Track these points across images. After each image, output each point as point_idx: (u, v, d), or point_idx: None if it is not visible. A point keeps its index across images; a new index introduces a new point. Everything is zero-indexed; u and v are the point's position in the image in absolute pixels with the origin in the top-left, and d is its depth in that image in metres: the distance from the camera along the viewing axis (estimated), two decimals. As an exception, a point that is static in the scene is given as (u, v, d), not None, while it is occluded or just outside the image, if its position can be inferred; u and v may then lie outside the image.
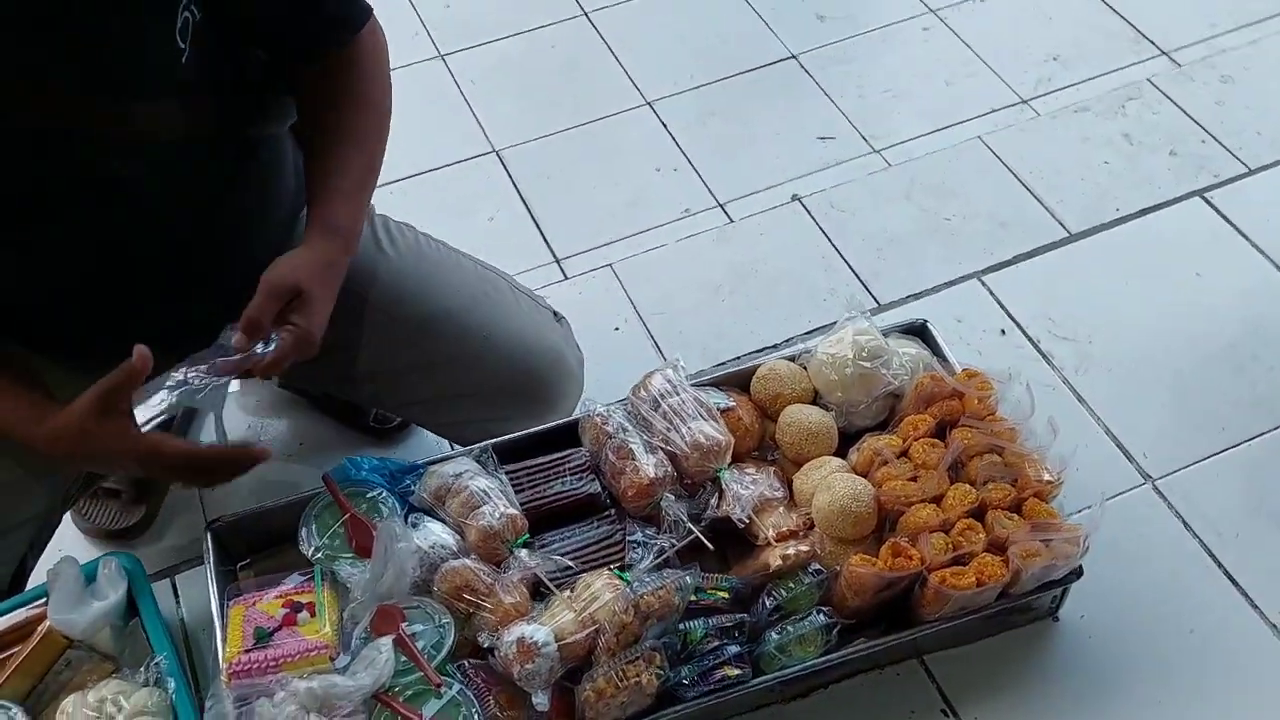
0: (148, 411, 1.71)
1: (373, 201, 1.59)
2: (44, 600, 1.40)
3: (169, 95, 1.30)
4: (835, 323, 1.70)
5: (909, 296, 2.11)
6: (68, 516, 1.84)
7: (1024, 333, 2.01)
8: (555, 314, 1.74)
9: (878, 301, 2.13)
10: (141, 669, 1.39)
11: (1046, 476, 1.47)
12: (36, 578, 1.53)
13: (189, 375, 1.27)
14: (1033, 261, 2.13)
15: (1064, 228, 2.19)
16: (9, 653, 1.38)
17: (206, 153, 1.39)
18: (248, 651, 1.36)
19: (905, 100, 2.57)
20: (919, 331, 1.74)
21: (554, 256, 2.33)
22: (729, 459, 1.53)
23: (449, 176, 2.50)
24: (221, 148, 1.42)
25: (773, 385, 1.64)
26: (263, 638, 1.37)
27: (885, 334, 1.68)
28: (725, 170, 2.45)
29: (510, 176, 2.49)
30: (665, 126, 2.57)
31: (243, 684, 1.34)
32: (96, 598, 1.42)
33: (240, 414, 2.02)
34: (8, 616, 1.40)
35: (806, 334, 2.02)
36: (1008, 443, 1.50)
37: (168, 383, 1.28)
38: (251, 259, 1.39)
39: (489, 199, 2.44)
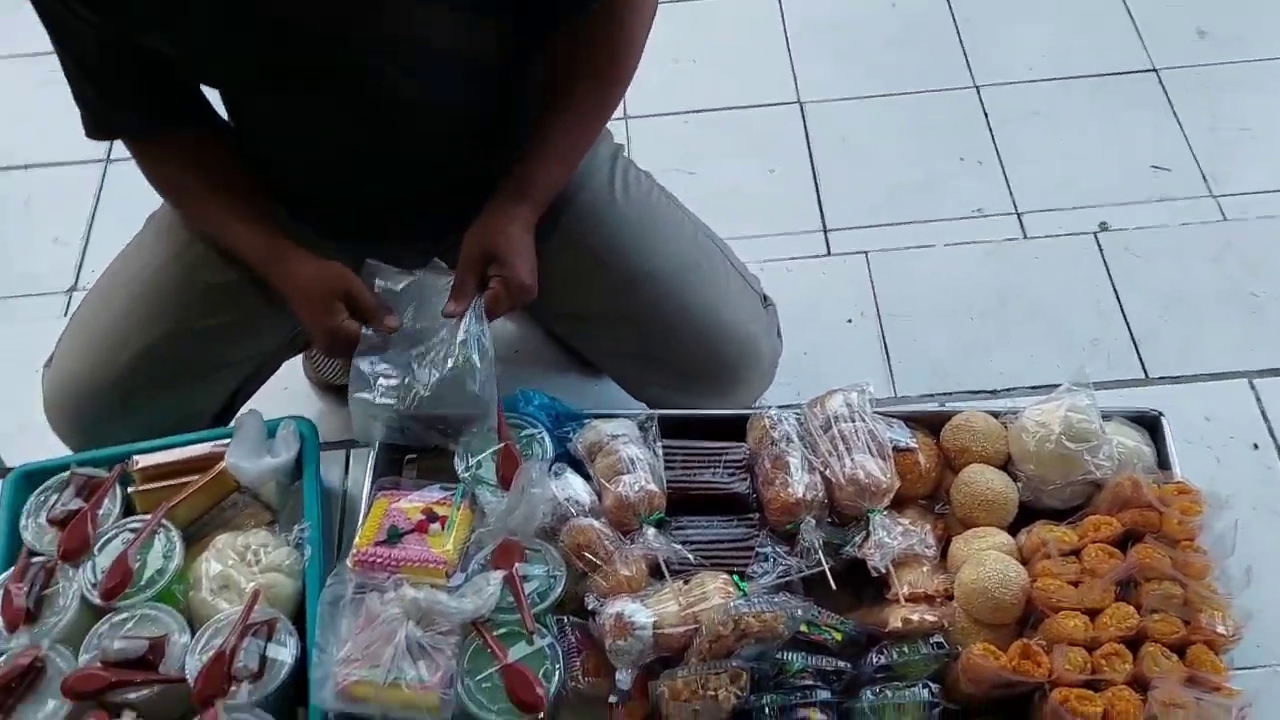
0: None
1: (622, 139, 1.61)
2: (228, 442, 1.53)
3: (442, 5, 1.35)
4: (1061, 386, 1.56)
5: (1169, 377, 1.91)
6: (298, 363, 2.00)
7: (1280, 453, 1.78)
8: (764, 299, 1.70)
9: (1143, 367, 1.94)
10: (291, 529, 1.51)
11: (1222, 629, 1.31)
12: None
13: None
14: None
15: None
16: (188, 479, 1.52)
17: (468, 70, 1.45)
18: (377, 544, 1.44)
19: (1264, 145, 2.28)
20: (1150, 424, 1.57)
21: (822, 225, 2.26)
22: (886, 501, 1.46)
23: (746, 117, 2.47)
24: (482, 68, 1.47)
25: (964, 438, 1.54)
26: (394, 536, 1.45)
27: (1106, 417, 1.53)
28: (1035, 177, 2.29)
29: (806, 132, 2.43)
30: (985, 115, 2.41)
31: (364, 573, 1.43)
32: (271, 453, 1.54)
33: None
34: (196, 446, 1.54)
35: (1032, 388, 1.87)
36: (1194, 578, 1.34)
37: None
38: (487, 181, 1.48)
39: (777, 150, 2.40)
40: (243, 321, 1.64)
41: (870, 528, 1.43)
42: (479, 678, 1.37)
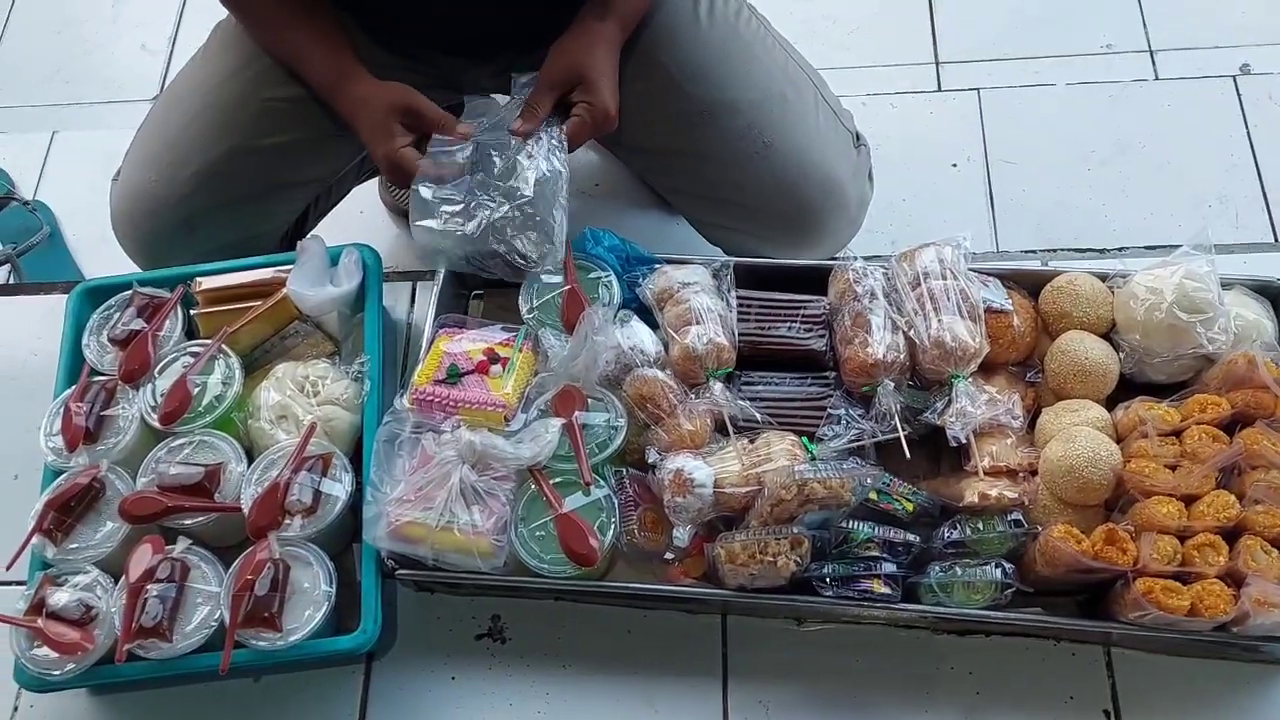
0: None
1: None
2: (291, 268, 1.48)
3: None
4: (1179, 248, 1.42)
5: (1308, 240, 1.74)
6: (374, 187, 1.94)
7: None
8: (857, 137, 1.57)
9: (1274, 230, 1.77)
10: (351, 362, 1.47)
11: (1331, 524, 1.20)
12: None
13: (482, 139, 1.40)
14: None
15: None
16: (250, 305, 1.48)
17: None
18: (437, 383, 1.40)
19: None
20: (1275, 296, 1.43)
21: (935, 58, 2.10)
22: (973, 367, 1.36)
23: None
24: None
25: (1065, 302, 1.42)
26: (454, 376, 1.40)
27: (1227, 286, 1.40)
28: (1172, 11, 2.07)
29: (923, -49, 2.22)
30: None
31: (422, 412, 1.39)
32: (334, 282, 1.49)
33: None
34: (259, 271, 1.50)
35: (1147, 249, 1.72)
36: (1305, 469, 1.23)
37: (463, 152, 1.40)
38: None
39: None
40: (307, 140, 1.57)
41: (953, 394, 1.34)
42: (533, 525, 1.34)
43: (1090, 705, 1.36)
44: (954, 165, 1.90)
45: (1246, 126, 1.87)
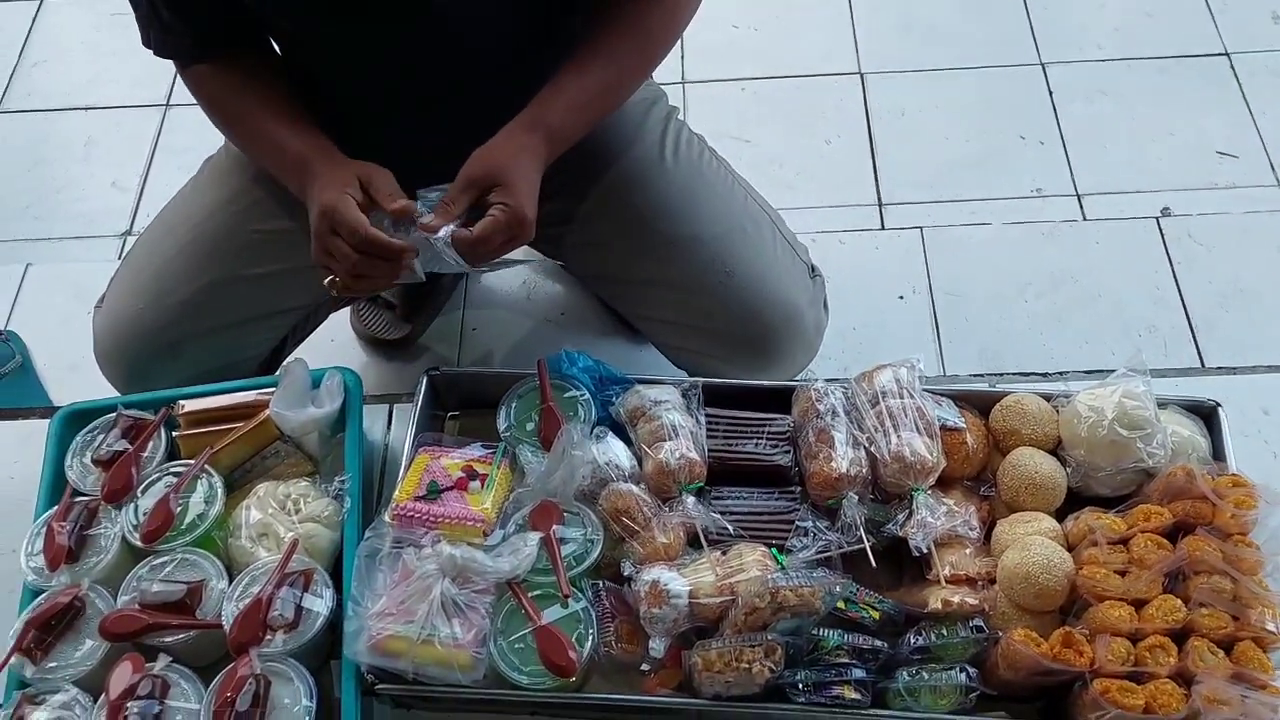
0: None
1: (678, 103, 1.57)
2: (273, 390, 1.53)
3: None
4: (1114, 372, 1.53)
5: (1227, 368, 1.86)
6: (345, 315, 2.00)
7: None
8: (812, 269, 1.67)
9: (1200, 357, 1.90)
10: (331, 481, 1.51)
11: (1272, 626, 1.28)
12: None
13: (389, 225, 1.36)
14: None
15: None
16: (232, 426, 1.52)
17: (512, 17, 1.44)
18: (417, 499, 1.44)
19: (1338, 134, 2.22)
20: (1206, 415, 1.53)
21: (878, 199, 2.23)
22: (931, 481, 1.43)
23: (805, 86, 2.42)
24: (527, 20, 1.46)
25: (1013, 420, 1.51)
26: (434, 492, 1.45)
27: (1162, 405, 1.50)
28: (1097, 159, 2.23)
29: (865, 104, 2.39)
30: (1050, 93, 2.36)
31: (402, 528, 1.42)
32: (315, 404, 1.54)
33: (526, 269, 2.09)
34: (241, 394, 1.55)
35: (1085, 373, 1.83)
36: (1245, 574, 1.31)
37: (385, 222, 1.36)
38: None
39: (835, 120, 2.36)
40: (291, 271, 1.64)
41: (914, 506, 1.41)
42: (512, 638, 1.37)
43: (1054, 810, 1.40)
44: (900, 297, 2.02)
45: (1170, 264, 2.01)
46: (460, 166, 1.41)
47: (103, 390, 1.68)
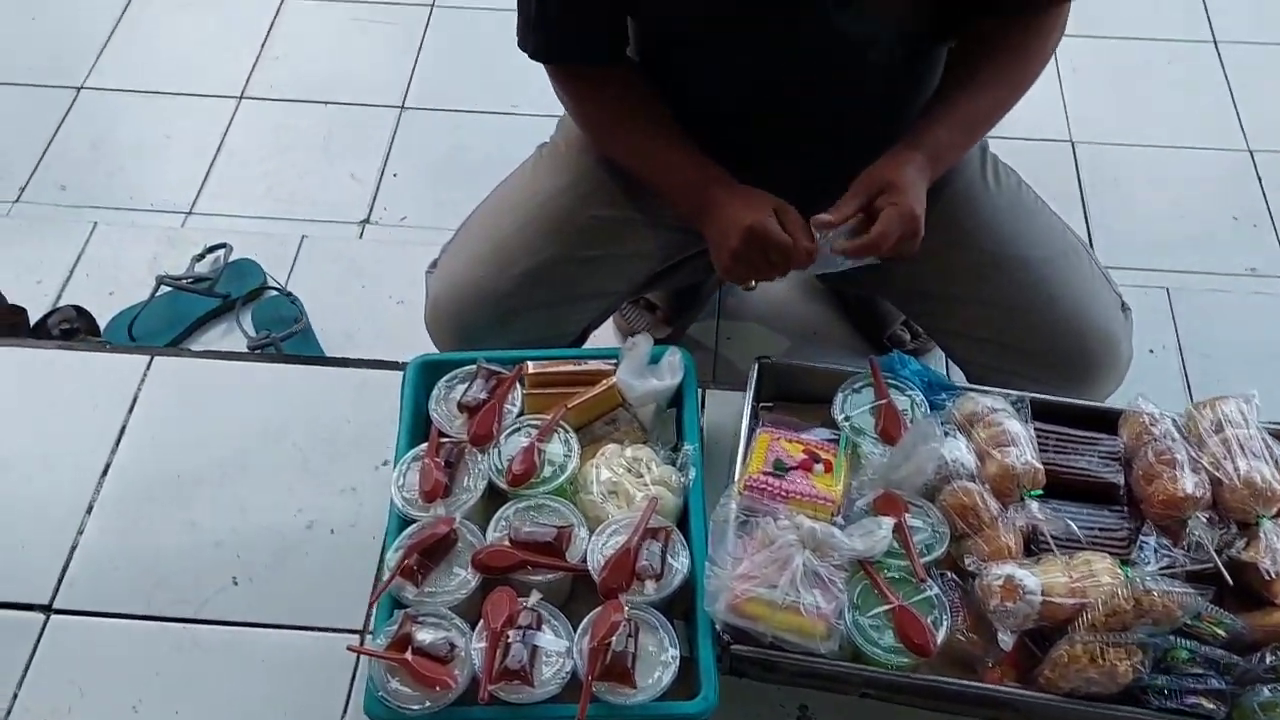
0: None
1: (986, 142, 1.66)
2: (615, 360, 1.58)
3: None
4: None
5: None
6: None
7: None
8: (1123, 303, 1.73)
9: None
10: (670, 450, 1.55)
11: None
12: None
13: None
14: None
15: None
16: (572, 390, 1.57)
17: (890, 43, 1.52)
18: (765, 474, 1.48)
19: None
20: None
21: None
22: (1274, 510, 1.47)
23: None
24: (911, 49, 1.55)
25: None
26: (780, 469, 1.49)
27: None
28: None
29: (1078, 170, 2.48)
30: (1259, 180, 2.46)
31: (753, 498, 1.46)
32: (656, 376, 1.59)
33: (777, 286, 2.15)
34: (591, 362, 1.61)
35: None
36: None
37: None
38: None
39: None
40: (618, 257, 1.71)
41: (1262, 533, 1.44)
42: (869, 614, 1.40)
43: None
44: (1151, 351, 2.09)
45: None
46: (827, 204, 1.49)
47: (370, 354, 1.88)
